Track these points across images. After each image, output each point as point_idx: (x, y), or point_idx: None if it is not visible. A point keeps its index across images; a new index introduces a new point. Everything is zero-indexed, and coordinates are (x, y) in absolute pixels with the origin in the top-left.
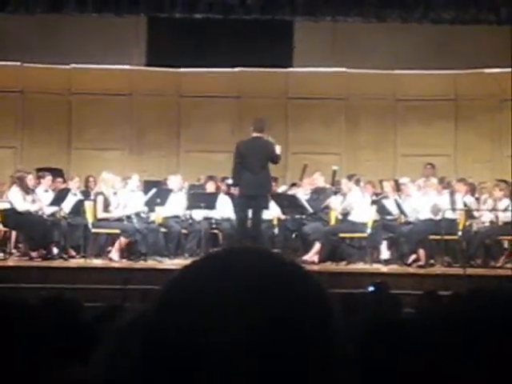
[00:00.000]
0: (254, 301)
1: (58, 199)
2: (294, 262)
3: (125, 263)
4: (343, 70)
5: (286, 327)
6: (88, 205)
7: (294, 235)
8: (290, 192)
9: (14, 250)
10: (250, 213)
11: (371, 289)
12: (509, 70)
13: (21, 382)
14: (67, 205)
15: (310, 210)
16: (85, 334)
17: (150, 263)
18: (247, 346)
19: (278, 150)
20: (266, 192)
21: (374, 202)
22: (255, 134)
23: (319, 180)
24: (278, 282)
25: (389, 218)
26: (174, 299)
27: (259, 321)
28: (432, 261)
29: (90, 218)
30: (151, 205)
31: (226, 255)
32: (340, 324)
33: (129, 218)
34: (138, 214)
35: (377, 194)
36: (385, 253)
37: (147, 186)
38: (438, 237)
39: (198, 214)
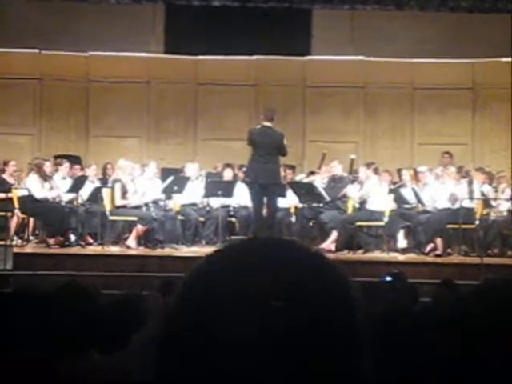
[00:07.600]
0: (279, 290)
1: (76, 186)
2: (319, 252)
3: (142, 251)
4: (361, 58)
5: (312, 316)
6: (105, 192)
7: (311, 223)
8: (308, 180)
9: (31, 237)
10: (265, 200)
11: (388, 278)
12: None
13: (38, 368)
14: (85, 192)
15: (328, 199)
16: (101, 322)
17: (167, 251)
18: (272, 335)
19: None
20: (276, 181)
21: (391, 191)
22: (265, 123)
23: (337, 168)
24: (303, 272)
25: (406, 206)
26: (197, 287)
27: (285, 310)
28: (449, 250)
29: (107, 206)
30: (168, 192)
31: (251, 244)
32: (363, 315)
33: (146, 205)
34: (155, 202)
35: (394, 183)
36: (402, 241)
37: (165, 173)
38: (456, 226)
39: (216, 202)
